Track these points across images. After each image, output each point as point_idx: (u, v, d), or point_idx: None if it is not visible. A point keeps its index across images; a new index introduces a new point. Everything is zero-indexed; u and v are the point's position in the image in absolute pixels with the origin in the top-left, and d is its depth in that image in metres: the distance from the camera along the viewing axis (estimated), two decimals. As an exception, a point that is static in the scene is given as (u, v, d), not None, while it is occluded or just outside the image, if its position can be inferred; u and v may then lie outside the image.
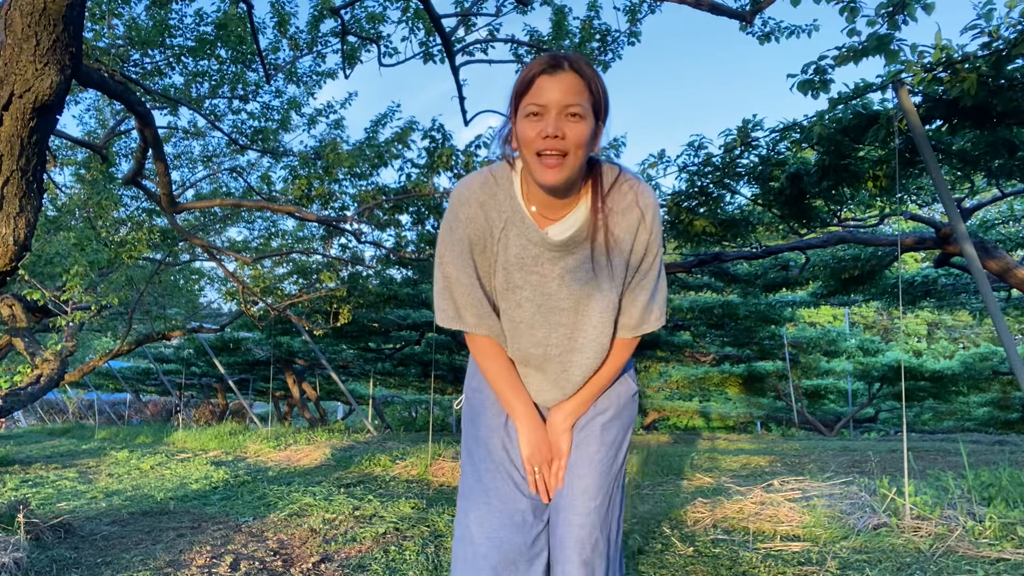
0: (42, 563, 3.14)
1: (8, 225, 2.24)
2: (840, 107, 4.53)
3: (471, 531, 1.46)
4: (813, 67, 3.92)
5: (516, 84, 1.28)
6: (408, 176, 6.17)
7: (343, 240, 8.07)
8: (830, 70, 3.89)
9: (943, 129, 4.48)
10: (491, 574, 1.41)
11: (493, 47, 5.58)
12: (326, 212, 6.52)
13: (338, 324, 8.16)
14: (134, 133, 6.77)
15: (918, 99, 4.17)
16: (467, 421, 1.58)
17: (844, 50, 3.72)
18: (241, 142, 6.99)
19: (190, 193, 8.44)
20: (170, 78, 6.19)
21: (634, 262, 1.41)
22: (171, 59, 5.83)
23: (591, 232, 1.37)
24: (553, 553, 1.48)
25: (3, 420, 19.63)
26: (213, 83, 6.25)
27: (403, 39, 5.73)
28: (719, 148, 5.32)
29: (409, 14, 5.63)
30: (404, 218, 6.90)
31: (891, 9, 3.48)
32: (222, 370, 13.87)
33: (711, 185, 5.73)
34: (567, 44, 5.74)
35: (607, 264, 1.39)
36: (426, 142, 5.95)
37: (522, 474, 1.50)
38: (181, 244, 8.51)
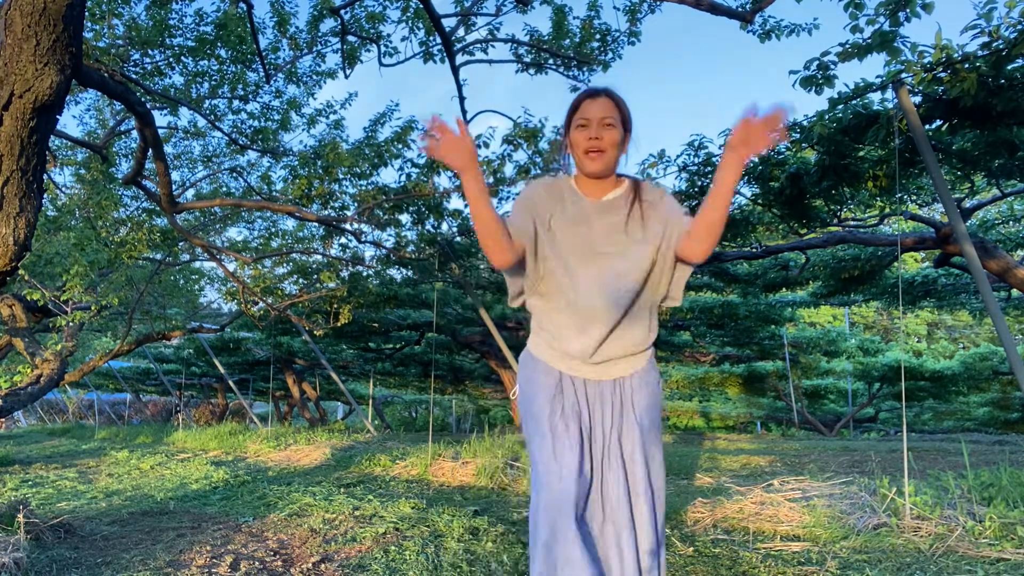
0: (42, 563, 3.14)
1: (8, 225, 2.24)
2: (840, 107, 4.53)
3: (549, 467, 1.78)
4: (816, 63, 3.91)
5: (569, 108, 1.88)
6: (408, 176, 6.16)
7: (343, 240, 8.06)
8: (832, 66, 3.88)
9: (943, 129, 4.48)
10: (571, 503, 1.74)
11: (493, 47, 5.58)
12: (326, 212, 6.51)
13: (338, 324, 8.16)
14: (134, 133, 6.77)
15: (918, 99, 4.17)
16: (523, 404, 1.93)
17: (848, 46, 3.72)
18: (241, 142, 6.98)
19: (190, 193, 8.43)
20: (170, 78, 6.19)
21: (673, 214, 1.86)
22: (171, 59, 5.83)
23: (629, 201, 1.88)
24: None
25: (3, 420, 19.63)
26: (213, 83, 6.25)
27: (403, 39, 5.73)
28: (719, 148, 5.31)
29: (409, 14, 5.63)
30: (404, 218, 6.89)
31: (893, 6, 3.48)
32: (222, 370, 13.87)
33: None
34: (567, 44, 5.74)
35: (641, 224, 1.87)
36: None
37: (573, 444, 1.81)
38: (181, 244, 8.50)
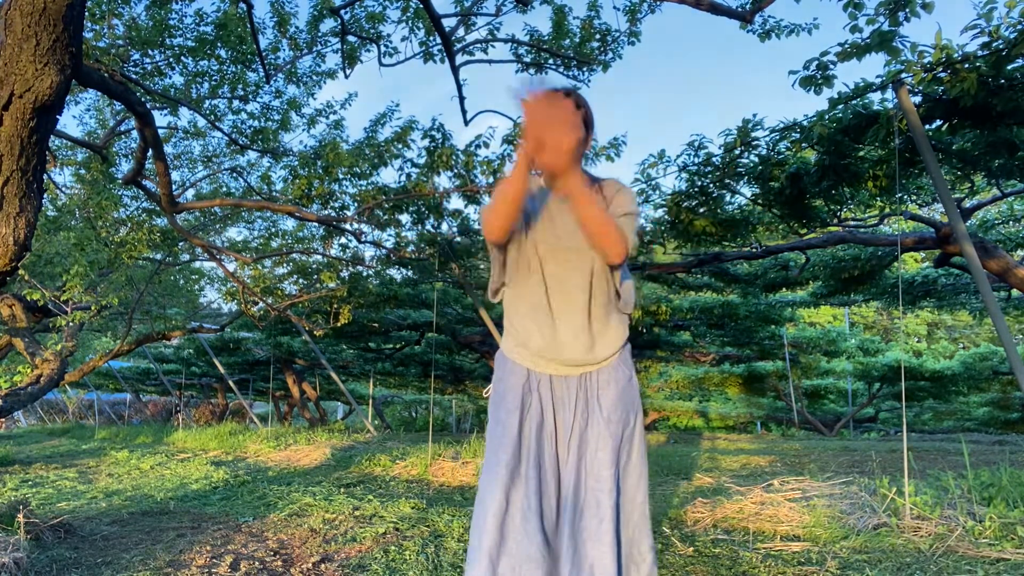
0: (42, 563, 3.14)
1: (8, 225, 2.24)
2: (840, 107, 4.53)
3: (486, 484, 1.77)
4: (815, 63, 3.91)
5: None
6: (408, 176, 6.16)
7: (343, 240, 8.06)
8: (832, 66, 3.88)
9: (943, 129, 4.47)
10: (494, 525, 1.71)
11: (493, 47, 5.58)
12: (326, 212, 6.51)
13: (338, 324, 8.15)
14: (134, 133, 6.76)
15: (918, 99, 4.17)
16: (492, 405, 1.90)
17: (847, 46, 3.72)
18: (241, 142, 6.98)
19: (190, 193, 8.43)
20: (170, 78, 6.19)
21: (615, 210, 1.84)
22: (171, 59, 5.83)
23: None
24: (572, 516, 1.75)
25: (3, 420, 19.63)
26: (213, 83, 6.24)
27: (403, 39, 5.72)
28: (719, 148, 5.31)
29: (409, 14, 5.63)
30: (404, 218, 6.89)
31: (892, 6, 3.48)
32: (222, 370, 13.87)
33: (711, 185, 5.72)
34: (567, 44, 5.74)
35: None
36: (426, 142, 5.94)
37: (535, 452, 1.78)
38: (181, 244, 8.50)
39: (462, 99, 5.46)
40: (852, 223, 6.74)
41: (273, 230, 9.77)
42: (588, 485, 1.73)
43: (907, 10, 3.46)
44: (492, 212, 1.76)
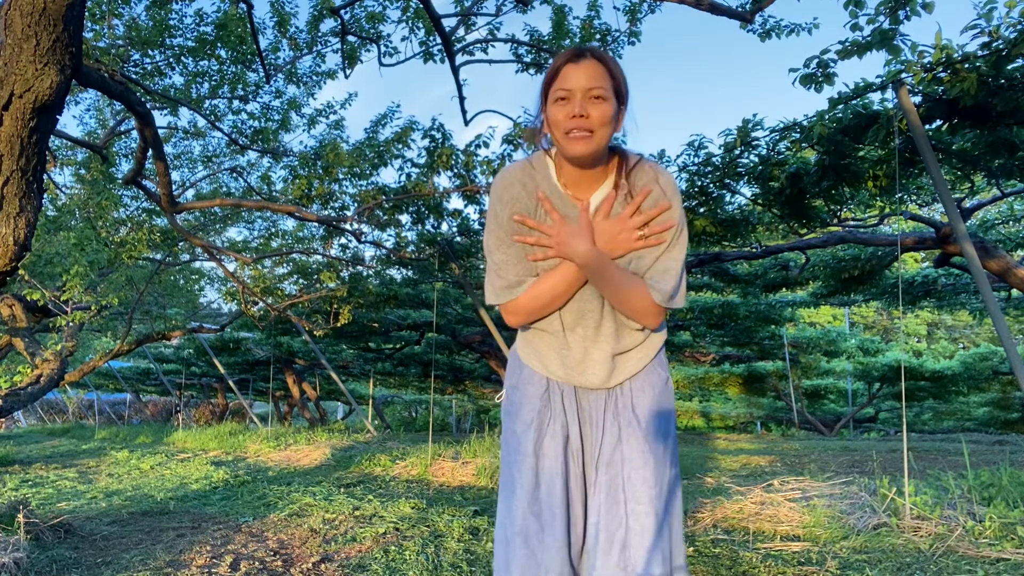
0: (42, 563, 3.14)
1: (8, 225, 2.24)
2: (840, 107, 4.53)
3: (504, 516, 1.55)
4: (816, 61, 3.91)
5: (545, 75, 1.44)
6: (408, 176, 6.16)
7: (343, 240, 8.07)
8: (832, 64, 3.88)
9: (943, 129, 4.48)
10: (523, 552, 1.49)
11: (493, 47, 5.58)
12: (326, 212, 6.51)
13: (338, 324, 8.16)
14: (134, 133, 6.76)
15: (918, 99, 4.17)
16: (505, 416, 1.66)
17: (848, 44, 3.72)
18: (241, 142, 6.98)
19: (190, 193, 8.43)
20: (170, 78, 6.19)
21: (654, 247, 1.50)
22: (171, 59, 5.83)
23: (622, 203, 1.50)
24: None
25: (3, 420, 19.62)
26: (213, 83, 6.25)
27: (403, 39, 5.73)
28: (719, 148, 5.31)
29: (409, 14, 5.63)
30: (404, 218, 6.89)
31: (893, 5, 3.48)
32: (222, 370, 13.87)
33: (711, 185, 5.72)
34: (567, 44, 5.74)
35: None
36: (426, 142, 5.95)
37: (560, 476, 1.54)
38: (181, 244, 8.50)
39: (462, 99, 5.46)
40: (852, 223, 6.74)
41: (273, 230, 9.78)
42: (629, 510, 1.47)
43: (907, 9, 3.46)
44: (534, 308, 1.53)
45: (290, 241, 9.53)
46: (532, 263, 1.53)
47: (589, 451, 1.56)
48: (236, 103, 6.63)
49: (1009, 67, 3.71)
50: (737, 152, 5.25)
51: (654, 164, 1.53)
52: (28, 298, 6.29)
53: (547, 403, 1.59)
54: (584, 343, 1.55)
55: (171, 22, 5.63)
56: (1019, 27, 3.50)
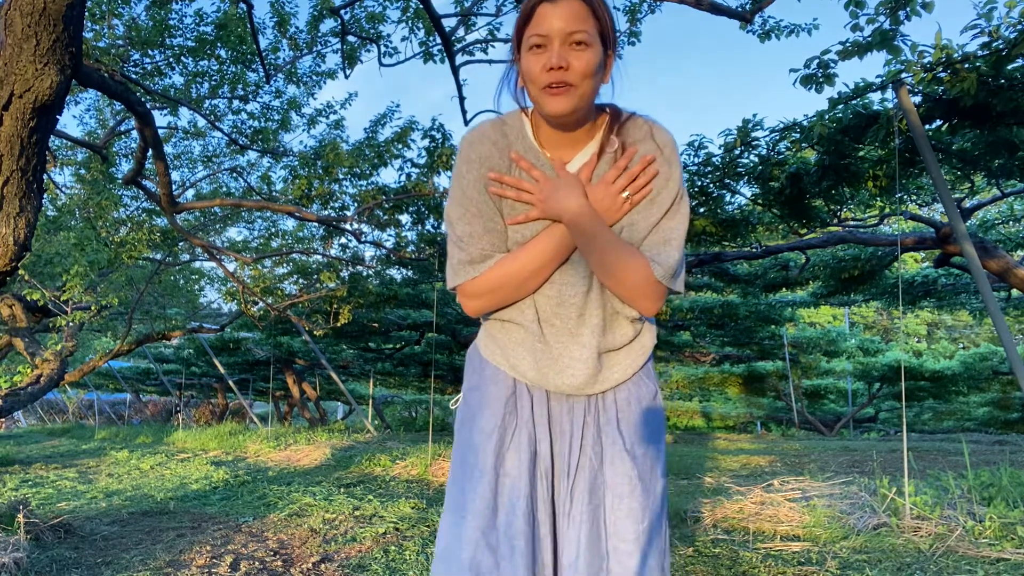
0: (42, 563, 3.14)
1: (8, 225, 2.24)
2: (840, 107, 4.53)
3: (450, 544, 1.28)
4: (816, 61, 3.92)
5: (518, 19, 1.19)
6: (408, 176, 6.17)
7: (343, 240, 8.07)
8: (833, 65, 3.88)
9: (943, 129, 4.48)
10: None
11: (493, 47, 5.58)
12: (326, 212, 6.52)
13: (338, 324, 8.16)
14: (134, 133, 6.76)
15: (918, 99, 4.17)
16: (460, 424, 1.38)
17: (848, 45, 3.72)
18: (241, 142, 6.98)
19: (190, 193, 8.44)
20: (170, 78, 6.19)
21: (651, 216, 1.26)
22: (171, 59, 5.83)
23: (609, 161, 1.25)
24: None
25: (3, 420, 19.63)
26: (213, 83, 6.25)
27: (403, 39, 5.73)
28: (719, 148, 5.32)
29: (409, 14, 5.63)
30: (404, 218, 6.90)
31: (893, 5, 3.48)
32: (222, 370, 13.88)
33: (711, 185, 5.72)
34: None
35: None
36: (426, 142, 5.95)
37: (523, 499, 1.27)
38: (181, 244, 8.50)
39: (462, 99, 5.46)
40: (852, 223, 6.75)
41: (273, 230, 9.78)
42: (611, 547, 1.23)
43: (907, 9, 3.46)
44: (501, 293, 1.27)
45: (290, 241, 9.53)
46: (501, 237, 1.27)
47: (561, 472, 1.29)
48: (236, 103, 6.63)
49: (1009, 67, 3.71)
50: (737, 152, 5.25)
51: (650, 120, 1.28)
52: (28, 298, 6.30)
53: (512, 409, 1.31)
54: (563, 336, 1.28)
55: (171, 22, 5.63)
56: (1019, 27, 3.50)
